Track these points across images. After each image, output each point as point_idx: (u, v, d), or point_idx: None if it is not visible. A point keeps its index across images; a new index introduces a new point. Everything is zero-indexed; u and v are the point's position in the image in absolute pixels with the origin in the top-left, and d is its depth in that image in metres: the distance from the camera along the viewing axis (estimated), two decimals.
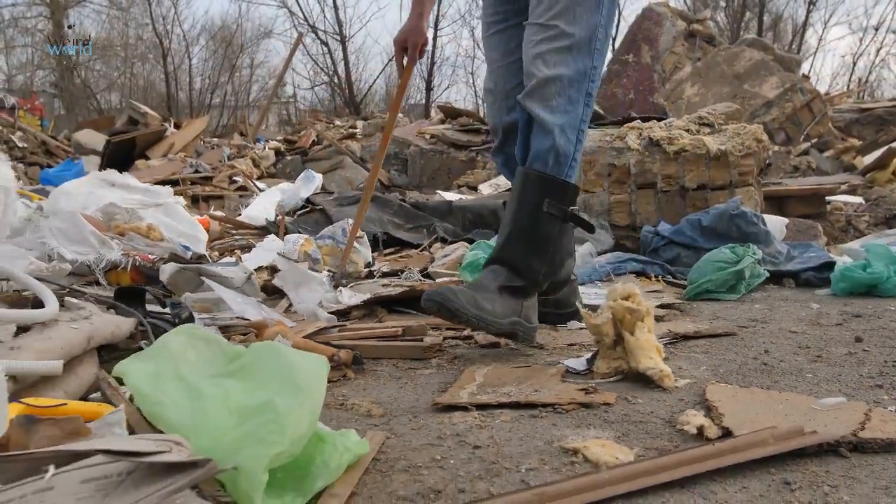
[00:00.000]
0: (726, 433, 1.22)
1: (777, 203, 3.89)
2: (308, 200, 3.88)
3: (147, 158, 7.14)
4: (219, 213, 4.29)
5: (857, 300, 2.53)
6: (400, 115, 11.24)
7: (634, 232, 3.32)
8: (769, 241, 2.96)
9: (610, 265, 2.84)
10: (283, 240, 3.16)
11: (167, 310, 1.94)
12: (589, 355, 1.69)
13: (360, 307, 2.21)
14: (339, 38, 20.14)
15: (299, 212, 3.75)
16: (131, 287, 2.09)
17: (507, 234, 1.89)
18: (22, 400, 1.16)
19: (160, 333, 1.85)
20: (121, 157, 7.08)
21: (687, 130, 3.30)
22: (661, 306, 2.37)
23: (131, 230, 2.72)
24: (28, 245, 2.40)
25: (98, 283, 2.40)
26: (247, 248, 3.17)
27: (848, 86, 18.82)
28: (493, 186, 5.79)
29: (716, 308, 2.45)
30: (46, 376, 1.30)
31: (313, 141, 8.22)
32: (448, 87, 21.67)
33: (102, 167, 6.46)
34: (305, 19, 20.45)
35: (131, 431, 1.11)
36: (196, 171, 6.41)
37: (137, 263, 2.52)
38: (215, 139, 8.64)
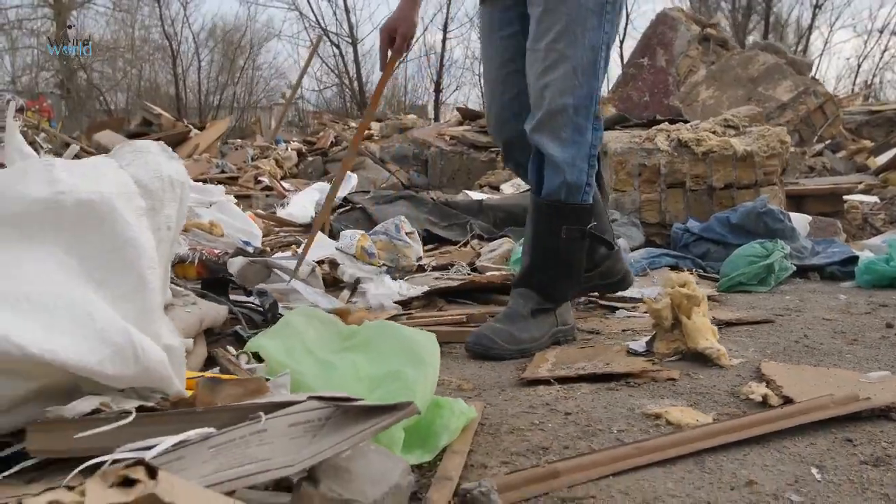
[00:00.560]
0: (787, 401, 1.38)
1: (796, 202, 4.05)
2: (346, 199, 4.04)
3: None
4: (260, 212, 4.46)
5: (882, 291, 2.69)
6: (412, 115, 11.40)
7: (664, 229, 3.49)
8: (795, 237, 3.12)
9: (645, 260, 3.00)
10: (328, 236, 3.33)
11: (251, 298, 2.10)
12: (647, 338, 1.85)
13: (421, 298, 2.37)
14: (350, 40, 20.29)
15: (339, 210, 3.91)
16: (216, 278, 2.25)
17: (531, 260, 1.96)
18: None
19: (248, 320, 2.03)
20: None
21: (713, 132, 3.46)
22: None
23: (194, 226, 2.88)
24: None
25: None
26: (296, 245, 3.32)
27: (852, 89, 18.98)
28: (515, 186, 5.95)
29: (750, 299, 2.61)
30: None
31: (332, 142, 8.39)
32: (457, 89, 21.78)
33: None
34: (318, 22, 20.60)
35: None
36: (222, 172, 6.57)
37: (203, 258, 2.67)
38: (239, 140, 8.80)
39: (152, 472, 0.69)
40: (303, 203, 4.24)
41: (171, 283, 2.05)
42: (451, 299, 2.43)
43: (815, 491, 1.04)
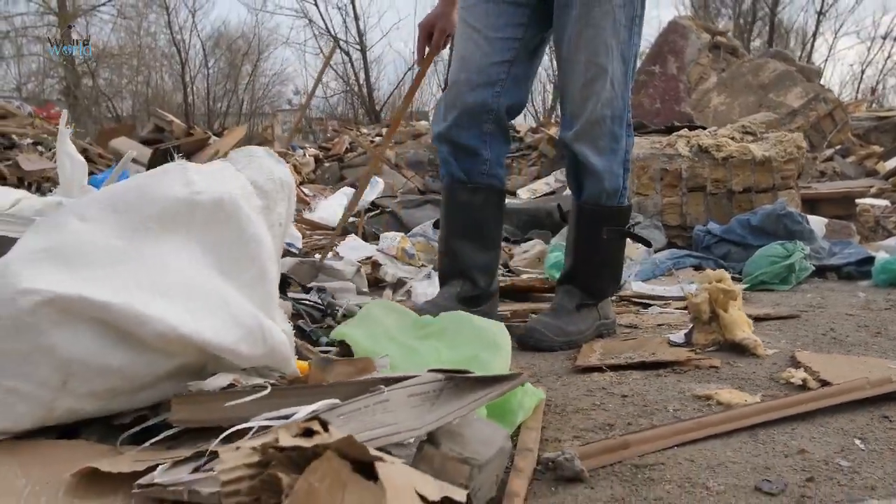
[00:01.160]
0: (825, 384, 1.51)
1: (810, 205, 4.18)
2: (374, 203, 4.18)
3: None
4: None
5: None
6: (424, 122, 11.54)
7: (684, 231, 3.63)
8: (813, 238, 3.25)
9: (670, 261, 3.14)
10: (361, 238, 3.47)
11: (309, 296, 2.23)
12: (685, 331, 1.98)
13: None
14: (359, 47, 20.48)
15: (369, 214, 4.05)
16: None
17: (574, 260, 2.10)
18: None
19: (309, 315, 2.17)
20: (165, 164, 7.37)
21: (732, 138, 3.60)
22: None
23: None
24: None
25: None
26: (330, 247, 3.46)
27: (856, 96, 19.13)
28: (531, 191, 6.08)
29: (773, 297, 2.74)
30: None
31: (346, 147, 8.54)
32: None
33: None
34: (327, 30, 20.80)
35: None
36: None
37: None
38: (256, 146, 8.95)
39: (325, 426, 0.82)
40: (333, 208, 4.38)
41: None
42: None
43: (860, 458, 1.17)
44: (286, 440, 0.78)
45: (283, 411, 1.04)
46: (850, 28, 35.68)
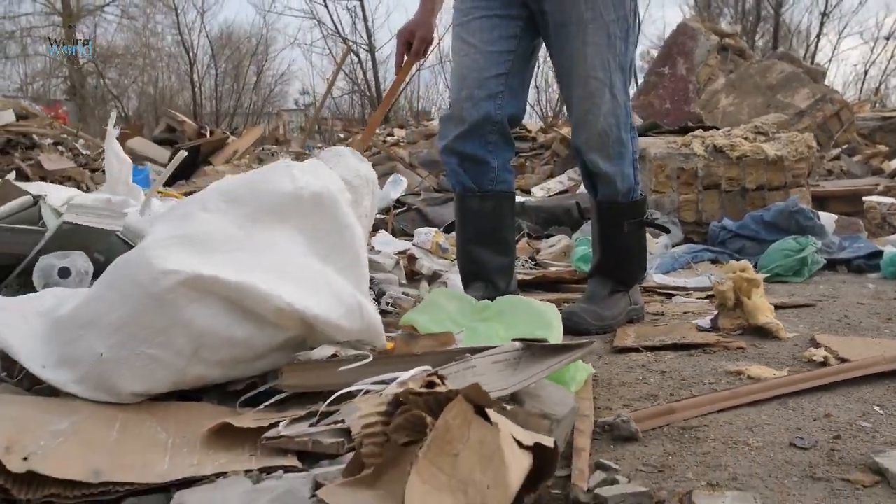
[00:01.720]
0: (844, 361, 1.67)
1: (819, 202, 4.34)
2: (399, 201, 4.35)
3: (210, 165, 7.63)
4: None
5: None
6: (435, 121, 11.71)
7: (700, 227, 3.79)
8: (824, 233, 3.41)
9: (688, 255, 3.30)
10: (391, 234, 3.63)
11: None
12: (711, 317, 2.15)
13: None
14: (367, 48, 20.64)
15: (396, 212, 4.22)
16: None
17: (602, 253, 2.25)
18: None
19: None
20: (185, 163, 7.55)
21: (745, 138, 3.77)
22: None
23: None
24: None
25: None
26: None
27: (859, 96, 19.29)
28: (545, 190, 6.23)
29: (788, 288, 2.90)
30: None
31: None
32: None
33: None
34: (337, 31, 20.96)
35: None
36: None
37: None
38: (274, 146, 9.13)
39: (442, 380, 0.99)
40: None
41: None
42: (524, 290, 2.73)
43: (880, 420, 1.34)
44: (422, 388, 0.95)
45: (383, 377, 1.21)
46: (853, 29, 35.68)
